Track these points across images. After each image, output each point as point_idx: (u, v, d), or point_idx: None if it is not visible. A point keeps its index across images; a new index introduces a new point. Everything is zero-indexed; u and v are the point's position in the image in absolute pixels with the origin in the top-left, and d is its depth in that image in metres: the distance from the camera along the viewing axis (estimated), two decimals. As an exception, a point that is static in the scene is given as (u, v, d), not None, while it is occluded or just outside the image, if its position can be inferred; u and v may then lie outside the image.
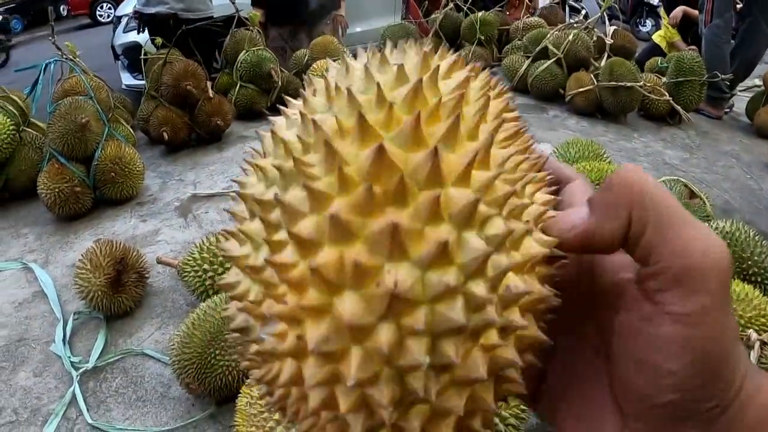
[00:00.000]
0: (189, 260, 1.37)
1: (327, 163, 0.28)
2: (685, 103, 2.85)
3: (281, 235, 0.28)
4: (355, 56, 0.36)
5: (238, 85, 2.78)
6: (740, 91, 3.37)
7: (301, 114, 0.31)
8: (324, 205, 0.27)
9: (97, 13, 17.46)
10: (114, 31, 6.16)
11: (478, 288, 0.26)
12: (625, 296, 0.31)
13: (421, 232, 0.26)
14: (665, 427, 0.29)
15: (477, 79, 0.34)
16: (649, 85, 2.84)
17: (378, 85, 0.29)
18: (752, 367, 0.30)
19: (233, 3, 2.96)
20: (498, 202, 0.28)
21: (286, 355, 0.27)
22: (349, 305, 0.25)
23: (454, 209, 0.26)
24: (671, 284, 0.28)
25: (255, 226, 0.30)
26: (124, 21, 5.83)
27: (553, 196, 0.33)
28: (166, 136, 2.41)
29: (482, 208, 0.27)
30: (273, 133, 0.32)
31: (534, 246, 0.29)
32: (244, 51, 2.77)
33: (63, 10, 19.21)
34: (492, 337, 0.27)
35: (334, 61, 0.38)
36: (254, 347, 0.29)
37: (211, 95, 2.48)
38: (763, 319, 1.12)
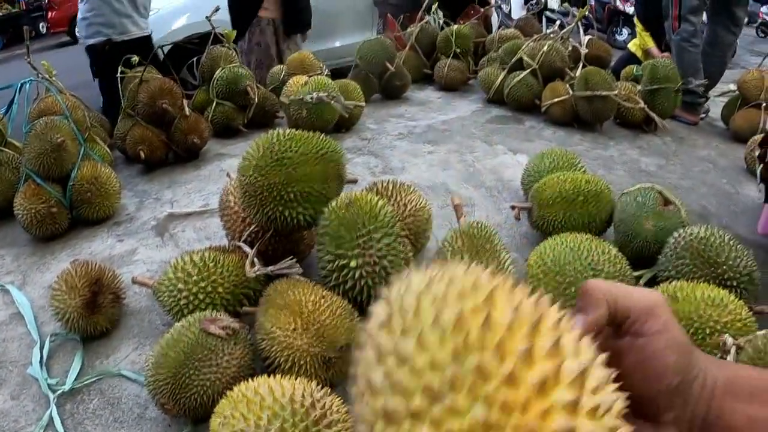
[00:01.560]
0: (164, 280, 1.37)
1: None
2: (660, 110, 2.87)
3: None
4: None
5: (215, 103, 2.77)
6: (715, 96, 3.41)
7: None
8: None
9: (76, 30, 17.37)
10: None
11: None
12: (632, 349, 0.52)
13: None
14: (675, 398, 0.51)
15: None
16: (624, 93, 2.87)
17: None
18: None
19: (209, 20, 2.98)
20: None
21: None
22: None
23: None
24: (644, 319, 0.51)
25: None
26: None
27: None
28: (142, 154, 2.40)
29: None
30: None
31: None
32: (220, 68, 2.77)
33: (42, 27, 19.14)
34: None
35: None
36: None
37: (187, 113, 2.47)
38: (739, 324, 1.13)
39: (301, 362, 1.08)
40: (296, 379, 1.00)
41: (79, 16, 3.46)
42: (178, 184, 2.31)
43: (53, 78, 2.34)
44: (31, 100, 2.27)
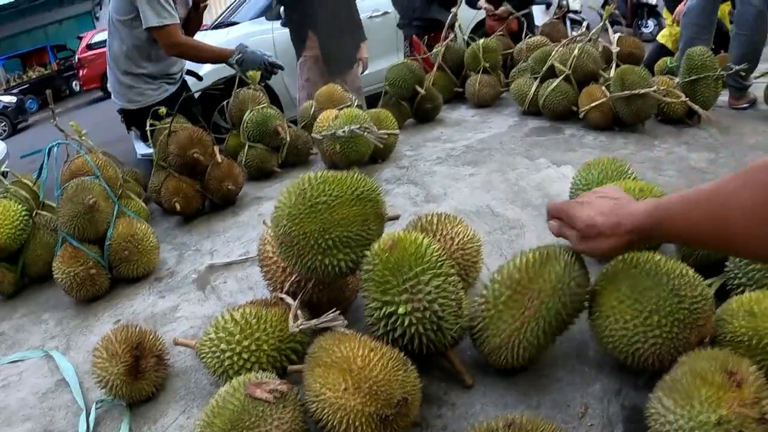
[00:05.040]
0: (206, 341, 1.31)
1: None
2: (702, 101, 2.74)
3: None
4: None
5: (247, 146, 2.74)
6: (755, 78, 3.24)
7: None
8: None
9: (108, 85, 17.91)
10: None
11: None
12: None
13: None
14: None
15: None
16: (663, 88, 2.75)
17: None
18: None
19: (232, 66, 2.97)
20: None
21: None
22: None
23: None
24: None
25: None
26: None
27: None
28: (178, 207, 2.37)
29: None
30: None
31: None
32: (248, 110, 2.75)
33: (75, 85, 19.77)
34: None
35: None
36: None
37: (219, 160, 2.44)
38: None
39: (356, 423, 1.00)
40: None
41: (110, 80, 3.48)
42: (217, 233, 2.27)
43: (83, 138, 2.33)
44: (62, 162, 2.26)
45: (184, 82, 3.56)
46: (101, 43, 18.15)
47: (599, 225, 1.06)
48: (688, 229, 0.93)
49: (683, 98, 2.71)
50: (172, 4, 3.10)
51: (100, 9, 23.29)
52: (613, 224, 1.04)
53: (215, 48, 3.33)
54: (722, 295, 1.26)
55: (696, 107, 2.67)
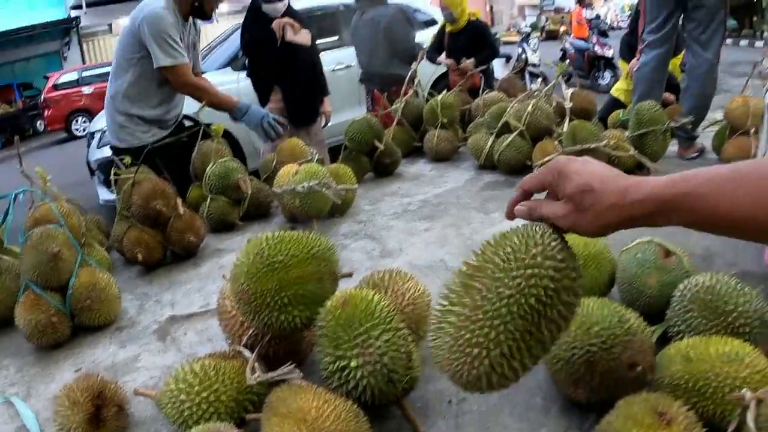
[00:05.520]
0: (166, 392, 1.35)
1: None
2: (650, 154, 2.86)
3: None
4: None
5: (209, 198, 2.79)
6: (704, 128, 3.36)
7: None
8: None
9: (73, 127, 17.77)
10: (88, 146, 6.21)
11: None
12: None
13: None
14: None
15: None
16: (613, 142, 2.85)
17: None
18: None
19: (195, 117, 3.03)
20: None
21: None
22: None
23: None
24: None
25: None
26: (97, 136, 5.90)
27: None
28: (140, 257, 2.40)
29: None
30: None
31: None
32: (211, 163, 2.80)
33: (39, 125, 19.51)
34: None
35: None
36: None
37: (181, 212, 2.49)
38: (757, 376, 1.09)
39: (310, 471, 1.06)
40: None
41: (106, 117, 3.50)
42: (178, 285, 2.31)
43: (48, 184, 2.36)
44: (26, 207, 2.29)
45: (176, 127, 3.61)
46: (67, 84, 18.04)
47: (597, 189, 0.84)
48: (731, 207, 0.73)
49: (632, 152, 2.83)
50: (180, 45, 3.19)
51: (68, 49, 23.22)
52: (619, 190, 0.83)
53: (223, 94, 3.40)
54: (664, 341, 1.34)
55: (644, 160, 2.79)
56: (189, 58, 3.34)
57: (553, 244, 0.87)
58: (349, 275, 1.39)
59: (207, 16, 3.45)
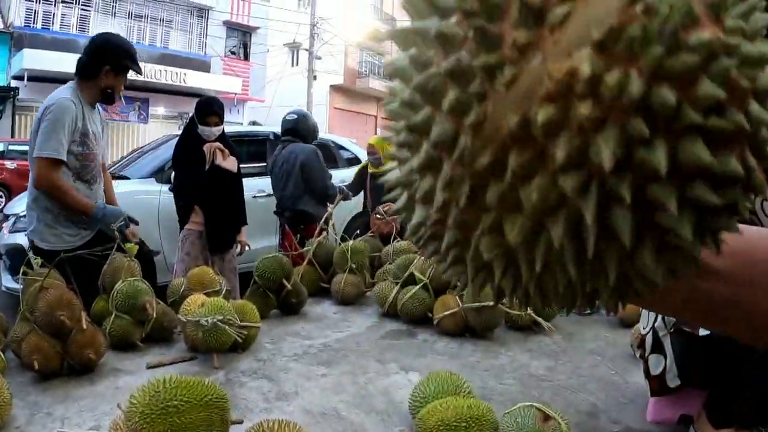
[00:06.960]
0: None
1: None
2: (547, 312, 3.02)
3: None
4: None
5: (113, 315, 2.75)
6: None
7: None
8: None
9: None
10: (0, 227, 6.02)
11: None
12: None
13: None
14: None
15: None
16: (509, 301, 3.02)
17: None
18: None
19: (113, 230, 3.04)
20: None
21: None
22: None
23: None
24: None
25: None
26: (11, 220, 5.74)
27: None
28: (36, 365, 2.31)
29: None
30: None
31: None
32: (121, 281, 2.79)
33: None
34: None
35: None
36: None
37: (84, 326, 2.44)
38: None
39: None
40: None
41: (28, 217, 3.47)
42: (72, 399, 2.22)
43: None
44: None
45: (100, 231, 3.56)
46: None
47: None
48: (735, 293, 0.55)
49: (528, 311, 3.00)
50: (65, 146, 3.20)
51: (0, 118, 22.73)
52: None
53: (81, 199, 3.37)
54: None
55: (539, 320, 2.93)
56: (94, 146, 3.39)
57: None
58: (240, 422, 1.42)
59: (113, 101, 3.56)
